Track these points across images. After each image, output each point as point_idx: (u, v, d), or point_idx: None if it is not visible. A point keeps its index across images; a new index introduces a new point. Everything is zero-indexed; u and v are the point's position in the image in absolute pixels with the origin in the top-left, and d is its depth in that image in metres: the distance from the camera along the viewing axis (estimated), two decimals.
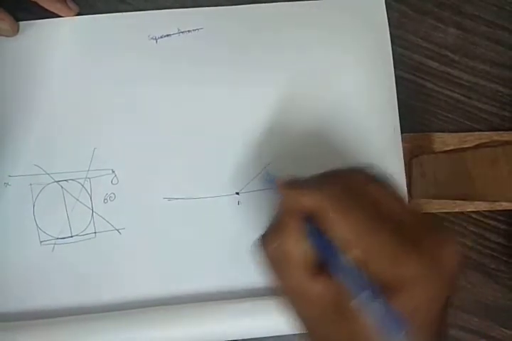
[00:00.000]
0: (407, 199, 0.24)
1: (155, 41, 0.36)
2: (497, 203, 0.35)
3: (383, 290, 0.20)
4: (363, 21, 0.36)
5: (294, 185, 0.25)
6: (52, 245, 0.34)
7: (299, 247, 0.23)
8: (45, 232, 0.34)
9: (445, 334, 0.22)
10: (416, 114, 0.36)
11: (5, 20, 0.34)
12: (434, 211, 0.35)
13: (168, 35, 0.36)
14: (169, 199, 0.34)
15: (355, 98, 0.35)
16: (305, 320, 0.23)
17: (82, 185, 0.34)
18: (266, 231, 0.25)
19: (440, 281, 0.21)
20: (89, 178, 0.34)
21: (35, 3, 0.34)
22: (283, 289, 0.24)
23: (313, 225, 0.23)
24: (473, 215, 0.35)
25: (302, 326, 0.24)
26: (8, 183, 0.34)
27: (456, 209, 0.35)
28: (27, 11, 0.35)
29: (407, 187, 0.34)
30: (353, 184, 0.23)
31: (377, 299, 0.19)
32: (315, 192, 0.23)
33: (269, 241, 0.24)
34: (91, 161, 0.34)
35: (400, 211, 0.22)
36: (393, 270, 0.20)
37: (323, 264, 0.23)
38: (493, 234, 0.35)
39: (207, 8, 0.36)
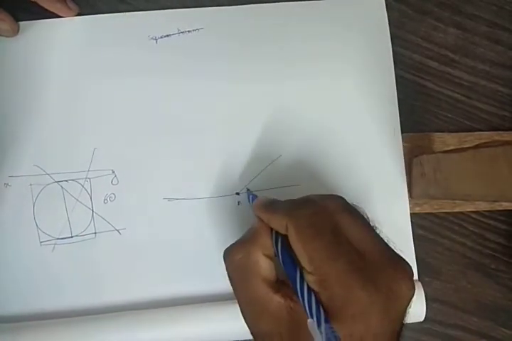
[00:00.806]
0: (373, 231, 0.24)
1: (155, 41, 0.36)
2: (497, 203, 0.35)
3: (334, 317, 0.21)
4: (363, 21, 0.36)
5: (267, 208, 0.26)
6: (53, 245, 0.34)
7: (264, 261, 0.24)
8: (45, 233, 0.34)
9: None
10: (416, 113, 0.36)
11: (5, 21, 0.34)
12: (434, 211, 0.35)
13: (168, 36, 0.36)
14: (169, 199, 0.34)
15: (355, 98, 0.35)
16: (258, 333, 0.24)
17: (82, 186, 0.34)
18: (236, 242, 0.26)
19: (391, 315, 0.21)
20: (89, 179, 0.34)
21: (35, 3, 0.34)
22: (242, 300, 0.24)
23: (284, 242, 0.24)
24: (474, 215, 0.35)
25: (255, 339, 0.24)
26: (8, 184, 0.34)
27: (456, 209, 0.35)
28: (27, 11, 0.35)
29: (407, 187, 0.34)
30: (322, 212, 0.24)
31: (325, 325, 0.20)
32: (283, 217, 0.24)
33: (237, 251, 0.25)
34: (91, 161, 0.34)
35: (363, 242, 0.22)
36: (345, 299, 0.21)
37: (286, 281, 0.23)
38: (493, 234, 0.35)
39: (207, 8, 0.36)
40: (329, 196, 0.25)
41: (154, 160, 0.34)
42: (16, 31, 0.35)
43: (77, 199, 0.34)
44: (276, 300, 0.23)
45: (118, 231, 0.34)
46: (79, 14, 0.36)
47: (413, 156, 0.35)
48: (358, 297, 0.21)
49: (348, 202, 0.25)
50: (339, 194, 0.34)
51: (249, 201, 0.32)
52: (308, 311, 0.21)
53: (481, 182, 0.33)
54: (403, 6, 0.37)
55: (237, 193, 0.34)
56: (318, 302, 0.21)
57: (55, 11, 0.35)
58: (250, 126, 0.35)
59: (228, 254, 0.25)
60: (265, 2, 0.36)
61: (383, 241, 0.23)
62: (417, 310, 0.32)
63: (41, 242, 0.34)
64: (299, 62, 0.36)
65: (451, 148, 0.35)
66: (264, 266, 0.24)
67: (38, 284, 0.33)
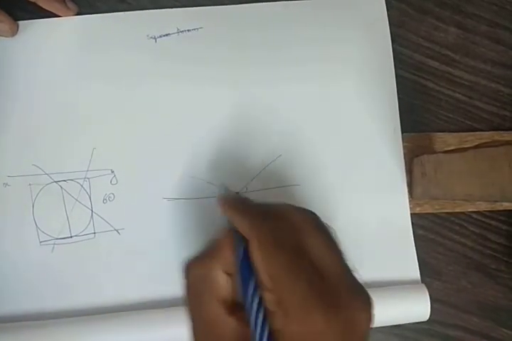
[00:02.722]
0: (339, 255, 0.22)
1: (154, 40, 0.35)
2: (498, 203, 0.35)
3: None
4: (363, 20, 0.36)
5: (238, 207, 0.24)
6: (52, 245, 0.33)
7: (223, 279, 0.22)
8: (44, 232, 0.34)
9: None
10: (416, 113, 0.36)
11: (4, 21, 0.34)
12: (434, 211, 0.35)
13: (167, 35, 0.35)
14: (169, 199, 0.34)
15: (356, 97, 0.35)
16: None
17: (82, 186, 0.34)
18: (196, 255, 0.24)
19: None
20: (88, 178, 0.34)
21: (34, 3, 0.34)
22: (193, 318, 0.23)
23: (246, 255, 0.22)
24: (474, 215, 0.35)
25: None
26: (7, 183, 0.34)
27: (457, 210, 0.35)
28: (26, 11, 0.35)
29: (408, 187, 0.34)
30: (290, 227, 0.22)
31: None
32: (249, 225, 0.22)
33: (195, 265, 0.23)
34: (90, 161, 0.34)
35: (326, 264, 0.21)
36: (300, 323, 0.19)
37: (242, 302, 0.22)
38: (494, 235, 0.35)
39: (206, 7, 0.36)
40: (300, 210, 0.24)
41: (154, 160, 0.34)
42: (14, 31, 0.35)
43: (77, 199, 0.34)
44: (229, 322, 0.21)
45: (117, 231, 0.34)
46: (78, 14, 0.36)
47: (414, 156, 0.35)
48: (314, 322, 0.19)
49: (318, 219, 0.24)
50: (339, 194, 0.34)
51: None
52: (258, 337, 0.19)
53: (481, 183, 0.33)
54: (403, 5, 0.37)
55: (237, 193, 0.34)
56: (271, 329, 0.20)
57: (54, 11, 0.35)
58: (250, 126, 0.35)
59: (186, 269, 0.23)
60: (265, 1, 0.36)
61: (348, 266, 0.22)
62: (421, 310, 0.32)
63: (41, 242, 0.33)
64: (299, 61, 0.35)
65: (452, 148, 0.35)
66: (222, 284, 0.22)
67: (37, 284, 0.33)
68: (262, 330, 0.20)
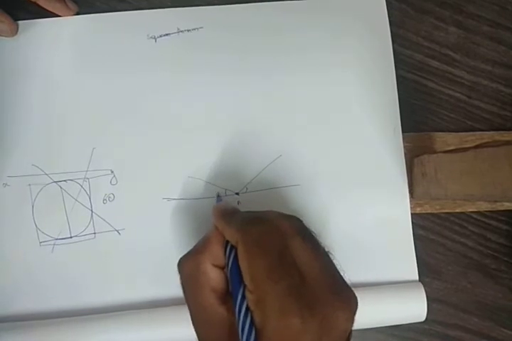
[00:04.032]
0: (323, 258, 0.23)
1: (154, 40, 0.35)
2: (498, 203, 0.35)
3: (265, 340, 0.20)
4: (363, 20, 0.36)
5: (225, 217, 0.26)
6: (52, 246, 0.33)
7: (213, 271, 0.24)
8: (44, 233, 0.34)
9: None
10: (417, 113, 0.36)
11: (4, 22, 0.34)
12: (435, 211, 0.35)
13: (167, 35, 0.35)
14: (169, 199, 0.34)
15: (356, 97, 0.35)
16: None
17: (81, 186, 0.34)
18: (188, 252, 0.26)
19: None
20: (88, 179, 0.34)
21: (34, 2, 0.34)
22: (191, 309, 0.25)
23: (236, 256, 0.24)
24: (475, 215, 0.35)
25: None
26: (6, 184, 0.34)
27: (457, 210, 0.35)
28: (26, 11, 0.35)
29: (408, 187, 0.34)
30: (275, 232, 0.23)
31: None
32: (236, 229, 0.24)
33: (187, 261, 0.25)
34: (90, 161, 0.34)
35: (309, 267, 0.22)
36: (278, 323, 0.20)
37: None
38: (494, 235, 0.35)
39: (207, 7, 0.36)
40: (286, 216, 0.25)
41: (154, 160, 0.34)
42: (14, 32, 0.35)
43: (76, 200, 0.34)
44: (219, 311, 0.23)
45: (117, 231, 0.34)
46: (78, 13, 0.36)
47: (414, 156, 0.35)
48: (291, 322, 0.20)
49: (304, 226, 0.25)
50: (339, 194, 0.34)
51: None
52: (240, 332, 0.21)
53: (482, 182, 0.33)
54: (404, 5, 0.37)
55: (237, 193, 0.34)
56: (252, 325, 0.21)
57: (54, 11, 0.35)
58: (250, 126, 0.35)
59: (180, 264, 0.26)
60: (265, 1, 0.36)
61: (331, 268, 0.23)
62: (418, 310, 0.32)
63: (40, 242, 0.33)
64: (299, 61, 0.35)
65: (453, 147, 0.35)
66: (212, 276, 0.24)
67: (37, 284, 0.33)
68: (245, 322, 0.21)
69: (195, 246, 0.26)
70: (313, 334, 0.20)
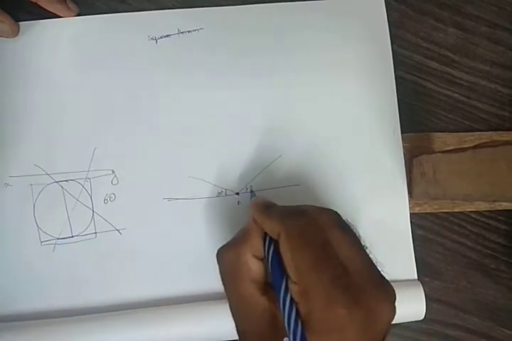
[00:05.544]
0: (362, 250, 0.24)
1: (155, 41, 0.36)
2: (497, 203, 0.35)
3: (310, 330, 0.21)
4: (362, 21, 0.36)
5: (264, 209, 0.26)
6: (53, 245, 0.34)
7: (253, 262, 0.25)
8: (45, 232, 0.34)
9: None
10: (416, 114, 0.36)
11: (5, 22, 0.34)
12: (434, 211, 0.35)
13: (168, 36, 0.36)
14: (169, 199, 0.34)
15: (355, 98, 0.35)
16: (242, 332, 0.24)
17: (82, 186, 0.34)
18: (227, 243, 0.26)
19: (368, 336, 0.21)
20: (89, 178, 0.34)
21: (35, 3, 0.34)
22: (231, 299, 0.25)
23: (275, 248, 0.24)
24: (473, 215, 0.35)
25: (240, 337, 0.24)
26: (8, 183, 0.34)
27: (456, 209, 0.35)
28: (27, 12, 0.35)
29: (408, 187, 0.35)
30: (315, 224, 0.24)
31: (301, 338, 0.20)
32: (277, 222, 0.24)
33: (227, 251, 0.26)
34: (91, 161, 0.34)
35: (350, 259, 0.22)
36: (324, 313, 0.21)
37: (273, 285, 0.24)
38: (493, 234, 0.35)
39: (207, 8, 0.36)
40: (324, 209, 0.25)
41: (154, 160, 0.34)
42: (15, 32, 0.35)
43: (78, 199, 0.34)
44: (261, 302, 0.23)
45: (118, 231, 0.34)
46: (79, 14, 0.36)
47: (413, 156, 0.35)
48: (337, 313, 0.20)
49: (341, 218, 0.25)
50: (339, 194, 0.34)
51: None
52: (286, 322, 0.21)
53: (480, 182, 0.33)
54: (403, 6, 0.37)
55: (237, 193, 0.34)
56: (298, 316, 0.21)
57: (55, 12, 0.35)
58: (250, 126, 0.35)
59: (220, 255, 0.26)
60: (265, 2, 0.36)
61: (371, 261, 0.23)
62: (416, 309, 0.32)
63: (42, 242, 0.34)
64: (299, 62, 0.36)
65: (451, 148, 0.35)
66: (253, 267, 0.24)
67: (38, 283, 0.33)
68: (290, 312, 0.21)
69: (234, 238, 0.26)
70: (358, 325, 0.20)
